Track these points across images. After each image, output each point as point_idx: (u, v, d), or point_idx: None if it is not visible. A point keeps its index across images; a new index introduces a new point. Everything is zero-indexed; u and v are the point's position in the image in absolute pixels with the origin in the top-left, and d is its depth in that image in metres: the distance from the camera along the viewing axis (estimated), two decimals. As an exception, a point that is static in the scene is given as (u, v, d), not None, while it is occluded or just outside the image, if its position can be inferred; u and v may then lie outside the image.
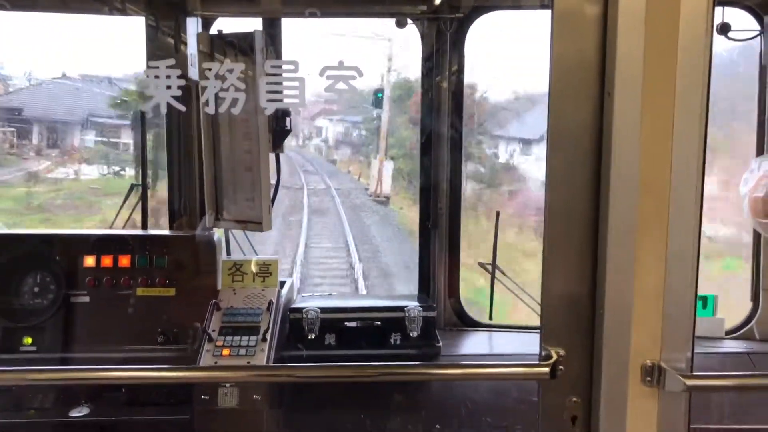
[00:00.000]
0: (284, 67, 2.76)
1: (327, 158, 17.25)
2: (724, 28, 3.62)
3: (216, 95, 2.73)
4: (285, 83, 2.64)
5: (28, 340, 3.29)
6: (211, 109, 2.74)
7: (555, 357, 1.78)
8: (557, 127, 1.76)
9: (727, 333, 3.79)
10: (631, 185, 1.70)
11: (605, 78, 1.72)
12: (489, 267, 3.87)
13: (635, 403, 1.76)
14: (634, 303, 1.73)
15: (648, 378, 1.75)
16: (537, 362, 1.81)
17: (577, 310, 1.81)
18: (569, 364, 1.81)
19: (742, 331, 3.78)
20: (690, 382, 1.67)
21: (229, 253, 3.80)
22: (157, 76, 2.74)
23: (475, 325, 3.99)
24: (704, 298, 3.75)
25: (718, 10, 3.60)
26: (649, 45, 1.67)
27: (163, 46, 3.37)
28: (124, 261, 3.38)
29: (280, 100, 2.59)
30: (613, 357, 1.76)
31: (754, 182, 3.34)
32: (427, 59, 3.82)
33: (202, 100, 2.72)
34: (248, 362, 3.06)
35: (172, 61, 2.71)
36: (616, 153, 1.71)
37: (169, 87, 2.73)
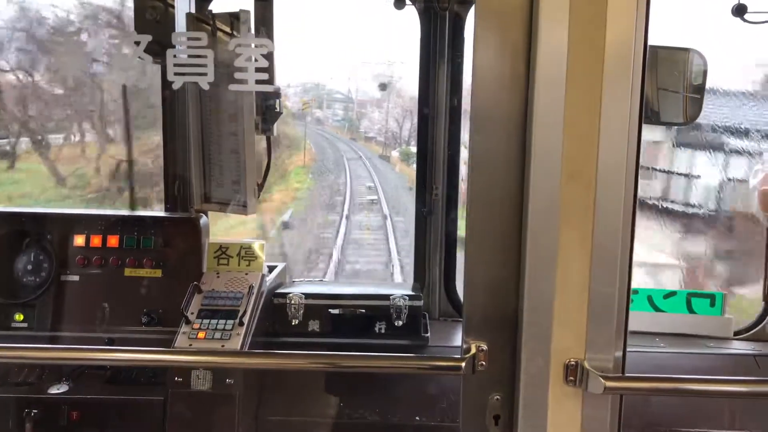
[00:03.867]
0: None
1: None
2: (740, 10, 3.38)
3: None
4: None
5: (20, 316, 3.36)
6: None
7: (474, 351, 1.67)
8: (480, 108, 1.64)
9: (737, 333, 3.58)
10: (553, 169, 1.57)
11: (530, 60, 1.59)
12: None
13: (557, 404, 1.63)
14: (556, 297, 1.60)
15: (571, 378, 1.62)
16: (457, 356, 1.70)
17: (500, 302, 1.69)
18: (492, 359, 1.69)
19: (752, 332, 3.56)
20: (610, 384, 1.54)
21: (223, 235, 3.79)
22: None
23: (472, 316, 3.86)
24: (712, 296, 3.55)
25: (733, -12, 3.36)
26: (573, 24, 1.53)
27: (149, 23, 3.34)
28: (113, 241, 3.41)
29: (186, 74, 2.53)
30: (534, 354, 1.64)
31: (763, 174, 3.13)
32: (425, 40, 3.70)
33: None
34: (222, 346, 3.03)
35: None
36: (538, 134, 1.58)
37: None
